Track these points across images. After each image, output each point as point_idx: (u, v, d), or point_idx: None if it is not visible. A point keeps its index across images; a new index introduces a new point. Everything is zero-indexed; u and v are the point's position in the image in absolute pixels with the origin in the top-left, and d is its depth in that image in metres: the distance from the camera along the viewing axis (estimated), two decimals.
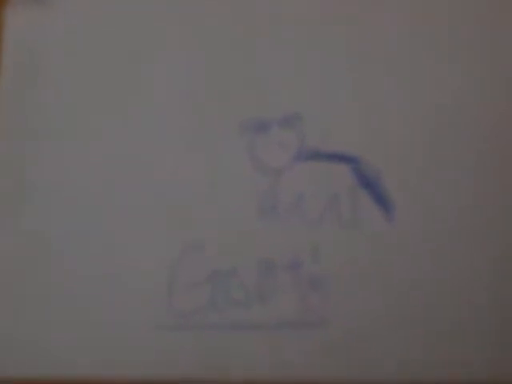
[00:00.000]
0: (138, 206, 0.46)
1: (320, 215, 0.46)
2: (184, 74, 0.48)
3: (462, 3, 0.48)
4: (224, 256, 0.46)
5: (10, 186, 0.47)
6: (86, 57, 0.48)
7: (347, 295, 0.46)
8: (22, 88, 0.48)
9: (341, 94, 0.47)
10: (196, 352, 0.45)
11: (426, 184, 0.46)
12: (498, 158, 0.47)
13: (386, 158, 0.47)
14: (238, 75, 0.48)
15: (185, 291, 0.45)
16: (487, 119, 0.47)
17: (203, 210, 0.46)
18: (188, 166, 0.47)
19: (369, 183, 0.46)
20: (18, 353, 0.45)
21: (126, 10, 0.49)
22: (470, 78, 0.48)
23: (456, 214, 0.46)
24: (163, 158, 0.47)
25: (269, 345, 0.45)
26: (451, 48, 0.48)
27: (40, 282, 0.46)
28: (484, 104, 0.47)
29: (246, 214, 0.46)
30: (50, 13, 0.49)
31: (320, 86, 0.47)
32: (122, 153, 0.47)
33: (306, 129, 0.47)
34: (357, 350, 0.45)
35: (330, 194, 0.46)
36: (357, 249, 0.46)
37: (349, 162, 0.47)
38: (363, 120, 0.47)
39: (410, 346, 0.45)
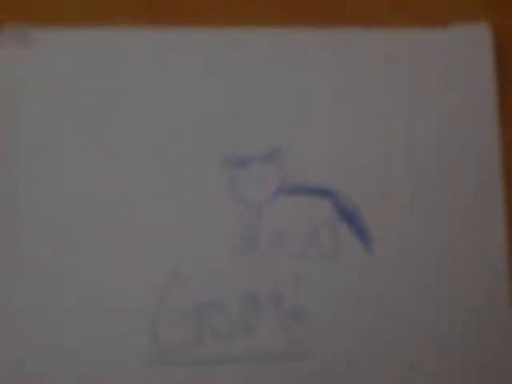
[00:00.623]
0: (118, 241, 0.47)
1: (301, 248, 0.47)
2: (162, 109, 0.49)
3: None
4: (207, 290, 0.46)
5: None
6: (66, 95, 0.49)
7: (329, 326, 0.46)
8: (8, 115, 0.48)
9: (320, 128, 0.49)
10: None
11: (404, 216, 0.48)
12: (472, 192, 0.48)
13: (364, 191, 0.48)
14: (218, 111, 0.49)
15: (170, 325, 0.46)
16: (467, 155, 0.49)
17: (185, 245, 0.47)
18: (169, 201, 0.47)
19: (348, 216, 0.48)
20: None
21: (105, 52, 0.49)
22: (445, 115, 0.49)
23: (435, 245, 0.47)
24: (146, 192, 0.48)
25: (252, 378, 0.46)
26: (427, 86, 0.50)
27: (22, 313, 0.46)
28: (464, 140, 0.49)
29: (229, 248, 0.47)
30: (34, 53, 0.49)
31: (302, 120, 0.49)
32: (104, 187, 0.48)
33: (287, 163, 0.48)
34: (339, 382, 0.46)
35: (311, 228, 0.47)
36: (338, 280, 0.47)
37: (328, 196, 0.48)
38: (342, 153, 0.48)
39: (392, 378, 0.46)
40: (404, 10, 0.51)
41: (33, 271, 0.46)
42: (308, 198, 0.48)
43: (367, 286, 0.47)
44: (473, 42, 0.50)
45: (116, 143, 0.48)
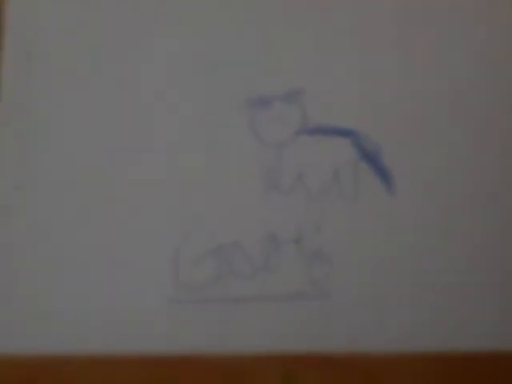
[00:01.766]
0: (139, 184, 0.47)
1: (322, 189, 0.47)
2: (183, 51, 0.48)
3: None
4: (227, 230, 0.47)
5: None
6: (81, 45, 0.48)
7: (349, 268, 0.47)
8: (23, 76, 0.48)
9: (342, 69, 0.48)
10: (204, 325, 0.46)
11: (426, 156, 0.47)
12: (499, 134, 0.48)
13: (386, 131, 0.47)
14: (237, 51, 0.48)
15: (192, 264, 0.46)
16: (494, 98, 0.48)
17: (206, 186, 0.47)
18: (189, 142, 0.47)
19: (369, 156, 0.47)
20: (27, 328, 0.46)
21: None
22: (473, 56, 0.49)
23: (457, 185, 0.47)
24: (164, 135, 0.47)
25: (274, 316, 0.46)
26: (452, 26, 0.49)
27: (49, 256, 0.46)
28: (492, 84, 0.48)
29: (249, 189, 0.47)
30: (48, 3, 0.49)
31: (321, 60, 0.48)
32: (121, 131, 0.47)
33: (308, 104, 0.48)
34: (359, 321, 0.46)
35: (332, 168, 0.47)
36: (359, 221, 0.47)
37: (348, 136, 0.47)
38: (364, 94, 0.48)
39: (413, 318, 0.46)
40: None
41: (49, 223, 0.47)
42: (329, 138, 0.47)
43: (388, 226, 0.47)
44: None
45: (136, 87, 0.48)
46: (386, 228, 0.47)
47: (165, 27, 0.48)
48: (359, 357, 0.46)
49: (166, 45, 0.48)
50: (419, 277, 0.46)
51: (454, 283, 0.46)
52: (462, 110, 0.48)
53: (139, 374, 0.45)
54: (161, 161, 0.47)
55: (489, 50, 0.48)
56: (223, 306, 0.46)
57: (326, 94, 0.48)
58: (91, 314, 0.46)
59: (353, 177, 0.47)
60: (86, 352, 0.45)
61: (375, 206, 0.47)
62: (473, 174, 0.47)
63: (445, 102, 0.48)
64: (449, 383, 0.46)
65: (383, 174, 0.47)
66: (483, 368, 0.46)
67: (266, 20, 0.49)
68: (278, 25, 0.48)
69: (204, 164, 0.47)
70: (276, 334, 0.46)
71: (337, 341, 0.46)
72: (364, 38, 0.48)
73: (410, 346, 0.46)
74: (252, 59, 0.48)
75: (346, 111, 0.48)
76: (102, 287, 0.46)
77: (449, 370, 0.46)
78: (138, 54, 0.48)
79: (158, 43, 0.48)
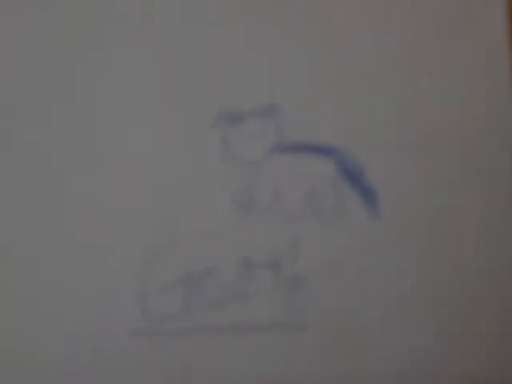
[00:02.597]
0: (107, 205, 0.44)
1: (300, 211, 0.44)
2: (151, 63, 0.45)
3: None
4: (198, 256, 0.43)
5: None
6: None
7: (329, 294, 0.43)
8: None
9: (320, 82, 0.44)
10: (172, 359, 0.43)
11: (411, 177, 0.44)
12: (484, 156, 0.44)
13: (368, 149, 0.44)
14: (210, 64, 0.45)
15: (159, 294, 0.43)
16: (475, 112, 0.44)
17: (175, 207, 0.44)
18: (158, 161, 0.44)
19: (352, 176, 0.44)
20: None
21: None
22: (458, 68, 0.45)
23: (443, 207, 0.44)
24: (132, 153, 0.44)
25: (249, 348, 0.43)
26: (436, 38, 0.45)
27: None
28: (472, 99, 0.45)
29: (221, 211, 0.44)
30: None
31: (296, 74, 0.45)
32: (90, 148, 0.44)
33: (283, 119, 0.44)
34: (340, 350, 0.43)
35: (311, 188, 0.44)
36: (339, 245, 0.43)
37: (330, 154, 0.44)
38: (342, 109, 0.44)
39: (395, 343, 0.43)
40: None
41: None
42: (308, 156, 0.44)
43: (371, 250, 0.43)
44: None
45: (104, 100, 0.44)
46: (368, 252, 0.43)
47: (131, 39, 0.45)
48: None
49: (134, 57, 0.45)
50: (404, 303, 0.43)
51: (440, 309, 0.43)
52: (453, 125, 0.44)
53: None
54: (126, 181, 0.44)
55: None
56: (193, 337, 0.43)
57: (303, 108, 0.44)
58: (48, 346, 0.43)
59: (333, 197, 0.44)
60: None
61: (357, 229, 0.44)
62: (465, 194, 0.44)
63: (434, 116, 0.44)
64: None
65: (366, 195, 0.44)
66: None
67: (238, 31, 0.45)
68: (251, 36, 0.45)
69: (173, 184, 0.44)
70: (253, 365, 0.43)
71: (317, 372, 0.43)
72: (343, 49, 0.45)
73: (396, 371, 0.43)
74: (224, 72, 0.45)
75: (325, 127, 0.44)
76: (62, 315, 0.43)
77: None
78: (101, 68, 0.45)
79: (123, 56, 0.45)
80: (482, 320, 0.43)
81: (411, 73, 0.45)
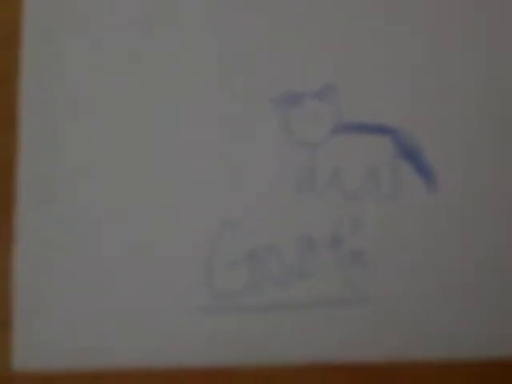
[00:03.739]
0: (168, 186, 0.45)
1: (360, 189, 0.45)
2: (211, 46, 0.46)
3: None
4: (262, 234, 0.44)
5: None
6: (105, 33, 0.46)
7: (390, 270, 0.44)
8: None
9: (378, 63, 0.46)
10: (237, 335, 0.44)
11: (468, 153, 0.45)
12: None
13: (426, 128, 0.45)
14: (268, 47, 0.46)
15: (223, 271, 0.44)
16: None
17: (239, 188, 0.45)
18: (221, 142, 0.45)
19: (410, 154, 0.45)
20: (51, 343, 0.44)
21: None
22: None
23: (500, 184, 0.45)
24: (196, 136, 0.45)
25: (311, 324, 0.44)
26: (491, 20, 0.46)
27: (75, 262, 0.44)
28: None
29: (283, 190, 0.45)
30: None
31: (355, 54, 0.46)
32: (151, 131, 0.45)
33: (342, 100, 0.45)
34: (401, 328, 0.44)
35: (370, 167, 0.45)
36: (399, 221, 0.44)
37: (388, 134, 0.45)
38: (401, 89, 0.45)
39: (459, 323, 0.44)
40: None
41: (78, 224, 0.45)
42: (366, 136, 0.45)
43: (430, 226, 0.44)
44: None
45: (162, 85, 0.46)
46: (427, 228, 0.44)
47: (190, 23, 0.46)
48: (403, 367, 0.43)
49: (192, 42, 0.46)
50: (466, 278, 0.44)
51: (503, 285, 0.44)
52: (506, 104, 0.45)
53: None
54: (190, 162, 0.45)
55: None
56: (259, 314, 0.44)
57: (362, 89, 0.45)
58: (117, 325, 0.44)
59: (392, 175, 0.45)
60: (111, 366, 0.43)
61: (416, 206, 0.44)
62: None
63: (488, 96, 0.45)
64: None
65: (424, 173, 0.45)
66: None
67: (295, 15, 0.46)
68: (308, 19, 0.46)
69: (235, 165, 0.45)
70: (314, 341, 0.44)
71: (378, 349, 0.44)
72: (399, 31, 0.46)
73: (459, 354, 0.43)
74: (282, 55, 0.46)
75: (383, 107, 0.45)
76: (129, 295, 0.44)
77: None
78: (164, 51, 0.46)
79: (183, 40, 0.46)
80: None
81: (468, 54, 0.46)
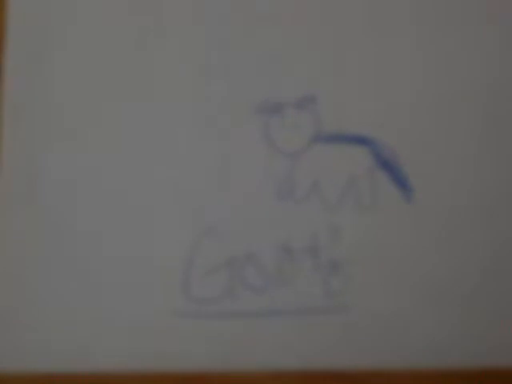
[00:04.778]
0: (151, 192, 0.45)
1: (338, 198, 0.45)
2: (195, 55, 0.46)
3: None
4: (241, 241, 0.45)
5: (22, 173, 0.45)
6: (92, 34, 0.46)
7: (368, 279, 0.45)
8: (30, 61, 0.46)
9: (357, 75, 0.46)
10: (214, 341, 0.44)
11: (444, 163, 0.46)
12: None
13: (403, 139, 0.46)
14: (249, 57, 0.46)
15: (202, 278, 0.44)
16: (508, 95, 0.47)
17: (218, 195, 0.45)
18: (202, 150, 0.46)
19: (387, 164, 0.46)
20: (26, 346, 0.44)
21: None
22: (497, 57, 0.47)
23: (476, 193, 0.46)
24: (176, 142, 0.46)
25: (289, 332, 0.44)
26: (470, 27, 0.47)
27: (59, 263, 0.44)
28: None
29: (263, 198, 0.45)
30: None
31: (334, 66, 0.46)
32: (133, 138, 0.46)
33: (321, 110, 0.46)
34: (378, 336, 0.44)
35: (348, 177, 0.45)
36: (376, 230, 0.45)
37: (366, 144, 0.46)
38: (379, 100, 0.46)
39: (434, 329, 0.44)
40: None
41: (60, 232, 0.45)
42: (345, 146, 0.46)
43: (407, 235, 0.45)
44: None
45: (147, 95, 0.46)
46: (405, 237, 0.45)
47: (174, 31, 0.46)
48: (380, 374, 0.44)
49: (176, 51, 0.46)
50: (441, 287, 0.45)
51: (478, 293, 0.45)
52: (485, 114, 0.46)
53: None
54: (171, 171, 0.45)
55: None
56: (237, 320, 0.44)
57: (341, 100, 0.46)
58: (95, 329, 0.44)
59: (370, 185, 0.45)
60: (87, 369, 0.43)
61: (393, 215, 0.45)
62: (496, 180, 0.46)
63: (464, 108, 0.46)
64: None
65: (401, 183, 0.45)
66: None
67: (278, 25, 0.47)
68: (289, 30, 0.47)
69: (216, 172, 0.45)
70: (293, 349, 0.44)
71: (355, 357, 0.44)
72: (379, 42, 0.47)
73: (435, 359, 0.44)
74: (264, 64, 0.46)
75: (362, 118, 0.46)
76: (108, 299, 0.44)
77: None
78: (149, 57, 0.46)
79: (168, 49, 0.46)
80: None
81: (444, 66, 0.47)
